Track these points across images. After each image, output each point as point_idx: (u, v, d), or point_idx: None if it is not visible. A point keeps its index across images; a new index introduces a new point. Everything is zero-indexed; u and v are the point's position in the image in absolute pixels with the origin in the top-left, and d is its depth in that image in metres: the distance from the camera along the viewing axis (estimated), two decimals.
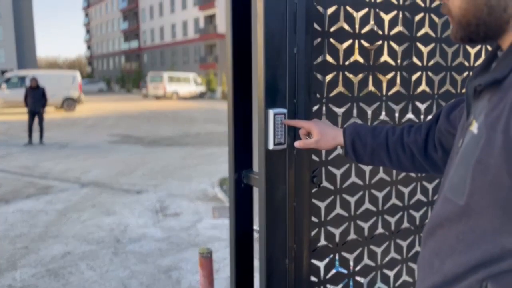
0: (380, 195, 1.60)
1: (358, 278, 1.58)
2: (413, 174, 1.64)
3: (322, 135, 1.21)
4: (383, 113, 1.55)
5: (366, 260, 1.60)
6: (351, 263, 1.56)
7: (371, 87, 1.51)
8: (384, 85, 1.54)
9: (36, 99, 10.65)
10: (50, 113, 18.49)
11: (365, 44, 1.47)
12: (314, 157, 1.42)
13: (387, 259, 1.64)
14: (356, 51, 1.45)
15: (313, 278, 1.48)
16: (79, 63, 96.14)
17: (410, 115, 1.61)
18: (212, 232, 4.51)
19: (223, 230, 4.55)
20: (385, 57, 1.52)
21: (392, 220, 1.64)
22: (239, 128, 1.50)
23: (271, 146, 1.31)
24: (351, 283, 1.57)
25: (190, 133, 13.46)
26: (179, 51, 50.61)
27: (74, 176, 7.28)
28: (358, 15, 1.43)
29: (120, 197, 5.96)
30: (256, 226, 1.51)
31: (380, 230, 1.62)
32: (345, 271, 1.55)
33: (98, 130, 14.03)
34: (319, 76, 1.40)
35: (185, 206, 5.54)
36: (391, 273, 1.66)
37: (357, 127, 1.19)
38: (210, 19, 44.85)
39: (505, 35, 0.70)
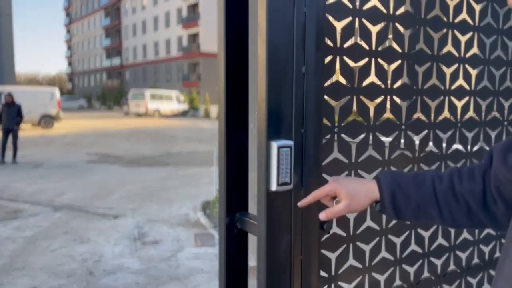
0: (398, 240, 1.35)
1: None
2: None
3: (352, 195, 0.95)
4: (402, 141, 1.32)
5: None
6: None
7: (388, 114, 1.28)
8: (404, 110, 1.31)
9: (11, 116, 10.19)
10: (27, 130, 17.87)
11: (382, 62, 1.24)
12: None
13: None
14: (373, 71, 1.22)
15: None
16: (60, 80, 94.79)
17: (431, 146, 1.38)
18: (195, 263, 4.18)
19: (205, 260, 4.24)
20: (404, 79, 1.30)
21: (411, 270, 1.39)
22: (232, 162, 1.24)
23: (274, 187, 1.05)
24: None
25: (172, 152, 13.13)
26: (161, 68, 50.37)
27: (47, 199, 6.86)
28: (375, 29, 1.21)
29: (95, 223, 5.58)
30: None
31: (398, 282, 1.37)
32: None
33: (75, 149, 13.55)
34: (330, 100, 1.16)
35: (165, 232, 5.20)
36: None
37: (395, 176, 0.93)
38: (194, 37, 44.90)
39: None
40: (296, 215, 1.11)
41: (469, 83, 1.45)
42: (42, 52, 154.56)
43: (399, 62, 1.27)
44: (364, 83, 1.21)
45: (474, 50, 1.44)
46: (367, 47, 1.20)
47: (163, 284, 3.71)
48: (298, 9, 1.05)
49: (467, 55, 1.42)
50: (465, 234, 1.52)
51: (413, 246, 1.39)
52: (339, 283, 1.24)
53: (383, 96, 1.26)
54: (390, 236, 1.33)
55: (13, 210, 6.17)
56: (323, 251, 1.20)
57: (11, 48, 65.72)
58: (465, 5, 1.39)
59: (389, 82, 1.26)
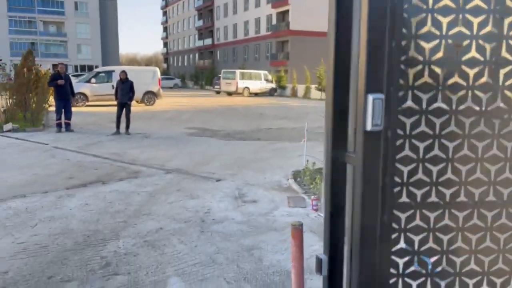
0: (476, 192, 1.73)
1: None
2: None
3: None
4: (470, 100, 1.68)
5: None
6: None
7: (456, 79, 1.65)
8: (471, 76, 1.67)
9: (124, 91, 11.60)
10: (132, 106, 19.88)
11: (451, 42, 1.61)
12: (399, 131, 1.60)
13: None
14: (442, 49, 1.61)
15: (406, 247, 1.67)
16: (156, 60, 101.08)
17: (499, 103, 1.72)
18: (289, 219, 4.76)
19: (298, 217, 4.78)
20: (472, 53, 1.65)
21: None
22: (337, 112, 1.71)
23: (369, 127, 1.51)
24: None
25: (262, 128, 13.84)
26: (251, 48, 51.56)
27: (158, 164, 7.89)
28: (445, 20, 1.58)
29: (201, 184, 6.42)
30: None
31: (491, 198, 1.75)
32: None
33: (175, 123, 14.90)
34: (407, 69, 1.58)
35: (261, 194, 5.85)
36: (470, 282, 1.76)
37: None
38: (283, 15, 45.14)
39: None
40: (384, 149, 1.56)
41: None
42: (141, 34, 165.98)
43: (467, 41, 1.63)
44: (433, 58, 1.60)
45: None
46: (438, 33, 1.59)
47: (263, 233, 4.35)
48: (392, 2, 1.48)
49: None
50: None
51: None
52: (423, 211, 1.67)
53: (451, 67, 1.64)
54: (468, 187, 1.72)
55: (133, 171, 7.27)
56: (397, 164, 1.64)
57: (116, 32, 71.33)
58: None
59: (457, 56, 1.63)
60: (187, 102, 26.67)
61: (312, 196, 5.19)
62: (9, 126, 11.64)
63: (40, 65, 14.68)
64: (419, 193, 1.70)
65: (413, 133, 1.64)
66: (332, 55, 1.70)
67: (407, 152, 1.67)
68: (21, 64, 12.93)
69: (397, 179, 1.69)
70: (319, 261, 1.83)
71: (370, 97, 1.49)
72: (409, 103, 1.61)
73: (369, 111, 1.50)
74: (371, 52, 1.48)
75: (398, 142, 1.63)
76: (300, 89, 35.69)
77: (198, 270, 3.47)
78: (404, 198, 1.75)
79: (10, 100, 12.79)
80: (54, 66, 21.97)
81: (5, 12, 58.98)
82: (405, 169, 1.67)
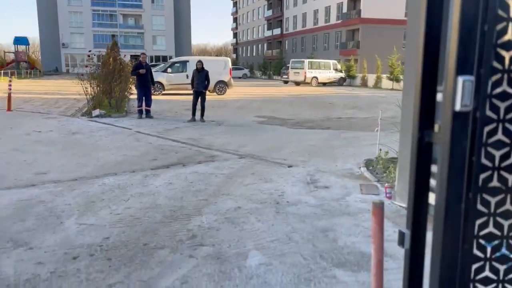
0: None
1: None
2: None
3: None
4: None
5: None
6: None
7: None
8: None
9: (200, 80, 12.15)
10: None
11: None
12: (491, 114, 1.66)
13: None
14: None
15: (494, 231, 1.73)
16: (225, 50, 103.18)
17: None
18: (362, 205, 4.84)
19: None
20: None
21: None
22: (425, 93, 1.81)
23: (457, 107, 1.60)
24: None
25: (331, 118, 13.80)
26: (320, 37, 50.93)
27: (232, 149, 8.25)
28: None
29: (273, 169, 6.65)
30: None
31: None
32: None
33: (246, 112, 15.30)
34: (503, 52, 1.63)
35: (333, 181, 5.96)
36: None
37: None
38: (354, 3, 43.99)
39: None
40: (472, 129, 1.64)
41: None
42: (211, 25, 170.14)
43: None
44: None
45: None
46: None
47: (336, 216, 4.47)
48: None
49: None
50: None
51: None
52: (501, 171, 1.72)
53: None
54: None
55: (210, 155, 7.69)
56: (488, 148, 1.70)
57: (189, 23, 73.67)
58: None
59: None
60: (256, 91, 27.13)
61: (386, 184, 5.21)
62: (96, 112, 12.70)
63: (125, 55, 15.77)
64: (510, 178, 1.75)
65: (507, 117, 1.68)
66: (422, 36, 1.79)
67: (499, 136, 1.72)
68: (106, 55, 13.97)
69: (487, 163, 1.74)
70: (401, 235, 1.95)
71: (460, 79, 1.57)
72: (504, 86, 1.66)
73: (459, 92, 1.58)
74: (463, 34, 1.56)
75: (490, 126, 1.69)
76: (371, 78, 34.74)
77: (276, 246, 3.70)
78: (494, 183, 1.80)
79: (98, 88, 13.89)
80: (133, 56, 23.34)
81: (89, 6, 63.45)
82: (497, 153, 1.72)
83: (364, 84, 35.42)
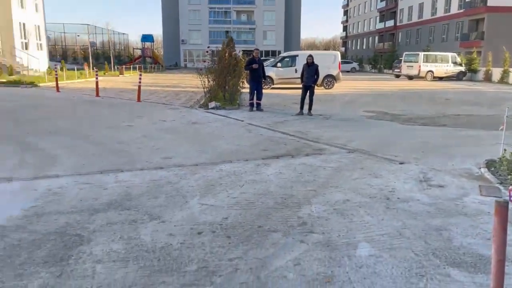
0: None
1: None
2: None
3: None
4: None
5: None
6: None
7: None
8: None
9: (310, 74, 12.30)
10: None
11: None
12: None
13: None
14: None
15: None
16: (334, 44, 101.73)
17: None
18: (481, 207, 4.57)
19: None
20: None
21: None
22: None
23: None
24: None
25: (447, 114, 12.95)
26: (438, 28, 47.50)
27: (340, 143, 8.27)
28: None
29: (383, 164, 6.54)
30: None
31: None
32: None
33: (355, 106, 15.06)
34: None
35: (448, 180, 5.68)
36: None
37: None
38: None
39: None
40: None
41: None
42: (320, 19, 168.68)
43: None
44: None
45: None
46: None
47: (452, 216, 4.30)
48: None
49: None
50: None
51: None
52: None
53: None
54: None
55: (317, 148, 7.82)
56: None
57: (299, 18, 74.25)
58: None
59: None
60: (365, 85, 26.42)
61: (510, 187, 4.83)
62: (212, 104, 13.62)
63: (240, 51, 16.59)
64: None
65: None
66: None
67: None
68: (222, 50, 14.85)
69: None
70: None
71: None
72: None
73: None
74: None
75: None
76: (496, 72, 31.49)
77: (386, 240, 3.72)
78: None
79: (214, 82, 14.86)
80: (245, 52, 24.33)
81: (206, 4, 67.53)
82: None
83: (487, 78, 32.22)
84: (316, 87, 13.09)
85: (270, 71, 21.77)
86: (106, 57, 51.75)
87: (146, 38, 59.43)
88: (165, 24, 69.30)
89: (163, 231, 3.89)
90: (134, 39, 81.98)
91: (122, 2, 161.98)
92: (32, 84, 21.59)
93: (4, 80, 22.70)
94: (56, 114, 11.94)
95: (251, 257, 3.38)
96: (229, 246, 3.57)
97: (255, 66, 12.93)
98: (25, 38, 31.72)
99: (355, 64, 55.49)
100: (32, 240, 3.65)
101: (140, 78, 16.46)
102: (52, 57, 43.64)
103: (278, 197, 4.90)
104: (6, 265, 3.19)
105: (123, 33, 67.22)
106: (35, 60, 30.80)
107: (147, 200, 4.77)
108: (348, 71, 49.15)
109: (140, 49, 61.50)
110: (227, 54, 14.23)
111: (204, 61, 15.54)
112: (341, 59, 29.92)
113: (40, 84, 22.03)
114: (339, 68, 23.07)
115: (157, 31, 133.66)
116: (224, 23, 68.45)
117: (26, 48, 31.40)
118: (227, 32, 64.04)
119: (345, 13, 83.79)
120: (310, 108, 12.52)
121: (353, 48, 76.68)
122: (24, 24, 31.79)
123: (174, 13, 67.36)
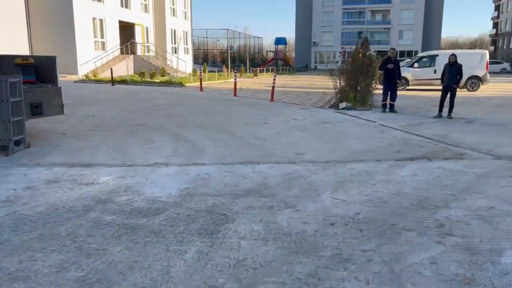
0: None
1: None
2: None
3: None
4: None
5: None
6: None
7: None
8: None
9: (452, 75, 11.49)
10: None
11: None
12: None
13: None
14: None
15: None
16: (480, 43, 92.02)
17: None
18: None
19: None
20: None
21: None
22: None
23: None
24: None
25: None
26: None
27: (485, 149, 7.59)
28: None
29: None
30: None
31: None
32: None
33: (504, 111, 13.58)
34: None
35: None
36: None
37: None
38: None
39: None
40: None
41: None
42: (464, 16, 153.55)
43: None
44: None
45: None
46: None
47: None
48: None
49: None
50: None
51: None
52: None
53: None
54: None
55: (458, 153, 7.32)
56: None
57: (440, 16, 69.25)
58: None
59: None
60: None
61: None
62: (343, 104, 13.61)
63: (374, 51, 16.25)
64: None
65: None
66: None
67: None
68: (356, 50, 14.72)
69: None
70: None
71: None
72: None
73: None
74: None
75: None
76: None
77: None
78: None
79: (344, 83, 14.82)
80: (378, 53, 23.59)
81: (340, 5, 67.07)
82: None
83: None
84: (458, 88, 12.15)
85: (405, 72, 20.80)
86: (242, 59, 55.07)
87: (280, 41, 61.53)
88: (298, 26, 70.82)
89: (298, 218, 4.14)
90: (268, 43, 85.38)
91: (259, 7, 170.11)
92: (180, 84, 24.14)
93: (158, 80, 25.85)
94: (200, 110, 13.23)
95: (384, 250, 3.42)
96: (362, 239, 3.66)
97: (390, 66, 12.55)
98: (175, 43, 35.63)
99: (506, 65, 49.45)
100: (188, 215, 4.23)
101: (274, 80, 17.23)
102: (195, 60, 48.11)
103: (412, 198, 4.79)
104: (169, 233, 3.78)
105: (259, 37, 70.68)
106: (182, 63, 34.36)
107: (282, 190, 5.10)
108: (497, 72, 44.06)
109: (273, 51, 63.95)
110: (360, 54, 14.07)
111: (343, 62, 15.59)
112: (490, 59, 26.88)
113: (186, 84, 24.50)
114: (487, 69, 20.92)
115: (289, 34, 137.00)
116: (357, 23, 67.16)
117: (175, 52, 35.24)
118: (360, 33, 62.73)
119: (497, 8, 75.05)
120: (450, 111, 11.69)
121: (505, 47, 68.30)
122: (175, 31, 35.72)
123: (307, 15, 68.38)
